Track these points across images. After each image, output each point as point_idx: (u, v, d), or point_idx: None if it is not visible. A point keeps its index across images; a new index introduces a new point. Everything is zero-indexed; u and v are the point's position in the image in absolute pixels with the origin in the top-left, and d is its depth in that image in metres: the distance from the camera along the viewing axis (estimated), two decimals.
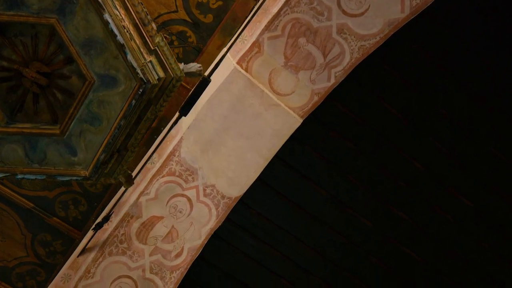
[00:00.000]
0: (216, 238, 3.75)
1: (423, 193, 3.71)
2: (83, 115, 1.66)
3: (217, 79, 2.57)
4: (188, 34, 3.12)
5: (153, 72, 1.66)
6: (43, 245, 3.73)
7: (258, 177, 3.33)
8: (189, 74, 1.85)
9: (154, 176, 2.72)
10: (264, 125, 2.67)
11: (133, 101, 1.63)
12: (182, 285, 3.34)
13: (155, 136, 3.05)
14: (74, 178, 1.74)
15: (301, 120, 2.71)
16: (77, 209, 3.62)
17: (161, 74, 1.72)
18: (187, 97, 2.34)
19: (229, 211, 2.84)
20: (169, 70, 1.74)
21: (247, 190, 3.32)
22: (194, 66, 1.88)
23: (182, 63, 1.86)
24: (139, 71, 1.61)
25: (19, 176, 1.70)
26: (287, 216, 3.76)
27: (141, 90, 1.63)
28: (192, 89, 2.32)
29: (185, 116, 2.33)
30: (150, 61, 1.68)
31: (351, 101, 3.54)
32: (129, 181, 1.99)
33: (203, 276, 3.85)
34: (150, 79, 1.64)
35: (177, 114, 2.46)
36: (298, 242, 3.82)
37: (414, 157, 3.64)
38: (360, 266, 3.89)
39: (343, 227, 3.79)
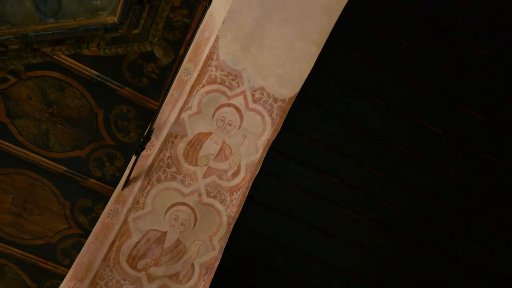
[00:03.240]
0: (269, 176, 3.32)
1: (496, 84, 3.20)
2: None
3: None
4: None
5: None
6: (84, 213, 3.37)
7: (304, 96, 2.90)
8: None
9: (193, 87, 2.32)
10: (309, 2, 2.23)
11: None
12: (237, 233, 2.94)
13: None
14: (101, 27, 1.35)
15: None
16: (113, 165, 3.25)
17: None
18: None
19: (285, 116, 2.42)
20: None
21: (293, 113, 2.89)
22: None
23: None
24: None
25: (32, 35, 1.32)
26: (344, 137, 3.30)
27: None
28: None
29: None
30: None
31: None
32: (167, 53, 1.59)
33: (259, 221, 3.43)
34: None
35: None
36: (361, 165, 3.35)
37: (480, 44, 3.15)
38: (436, 182, 3.39)
39: (410, 140, 3.31)
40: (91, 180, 3.25)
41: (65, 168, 3.21)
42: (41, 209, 3.34)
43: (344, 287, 3.62)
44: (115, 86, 3.02)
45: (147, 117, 3.03)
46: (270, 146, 2.60)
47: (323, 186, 3.38)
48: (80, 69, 2.99)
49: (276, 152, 3.25)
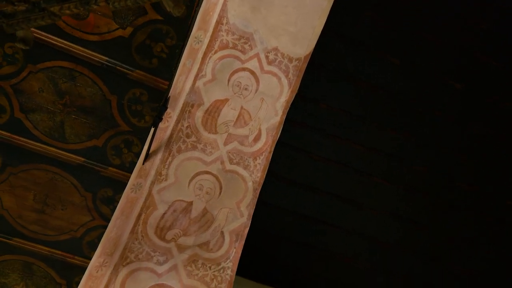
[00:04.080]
0: (287, 148, 3.24)
1: None
2: None
3: None
4: None
5: None
6: (106, 203, 3.31)
7: (316, 62, 2.81)
8: None
9: (205, 55, 2.24)
10: None
11: None
12: (259, 209, 2.85)
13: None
14: None
15: None
16: (131, 151, 3.19)
17: None
18: None
19: (301, 76, 2.33)
20: None
21: (308, 82, 2.81)
22: None
23: None
24: None
25: None
26: (360, 100, 3.20)
27: None
28: None
29: None
30: None
31: None
32: (178, 4, 1.51)
33: (281, 196, 3.34)
34: None
35: None
36: (381, 128, 3.25)
37: None
38: (460, 138, 3.28)
39: (429, 96, 3.20)
40: (110, 168, 3.19)
41: (83, 159, 3.15)
42: (64, 203, 3.28)
43: (374, 255, 3.52)
44: (125, 70, 2.96)
45: (161, 99, 2.96)
46: (286, 118, 2.51)
47: (344, 153, 3.28)
48: (89, 56, 2.93)
49: (292, 123, 3.16)
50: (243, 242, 2.05)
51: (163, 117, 2.15)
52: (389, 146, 3.25)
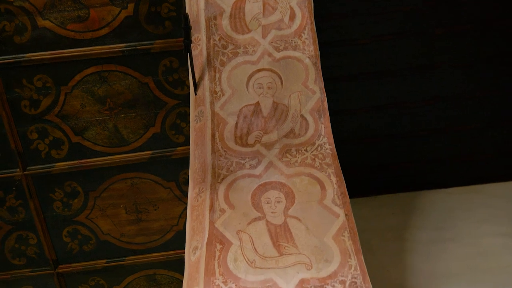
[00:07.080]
0: (333, 46, 2.99)
1: None
2: None
3: None
4: None
5: None
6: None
7: None
8: None
9: None
10: None
11: None
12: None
13: None
14: None
15: None
16: (188, 122, 3.08)
17: None
18: None
19: None
20: None
21: None
22: None
23: None
24: None
25: None
26: None
27: None
28: None
29: None
30: None
31: None
32: None
33: (343, 100, 3.06)
34: None
35: None
36: None
37: None
38: None
39: None
40: (178, 149, 3.09)
41: (150, 152, 3.08)
42: (154, 203, 3.22)
43: (465, 119, 3.13)
44: (146, 46, 2.86)
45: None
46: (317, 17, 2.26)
47: (393, 23, 2.96)
48: (107, 51, 2.86)
49: (326, 18, 2.91)
50: (328, 116, 1.83)
51: (192, 39, 2.00)
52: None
